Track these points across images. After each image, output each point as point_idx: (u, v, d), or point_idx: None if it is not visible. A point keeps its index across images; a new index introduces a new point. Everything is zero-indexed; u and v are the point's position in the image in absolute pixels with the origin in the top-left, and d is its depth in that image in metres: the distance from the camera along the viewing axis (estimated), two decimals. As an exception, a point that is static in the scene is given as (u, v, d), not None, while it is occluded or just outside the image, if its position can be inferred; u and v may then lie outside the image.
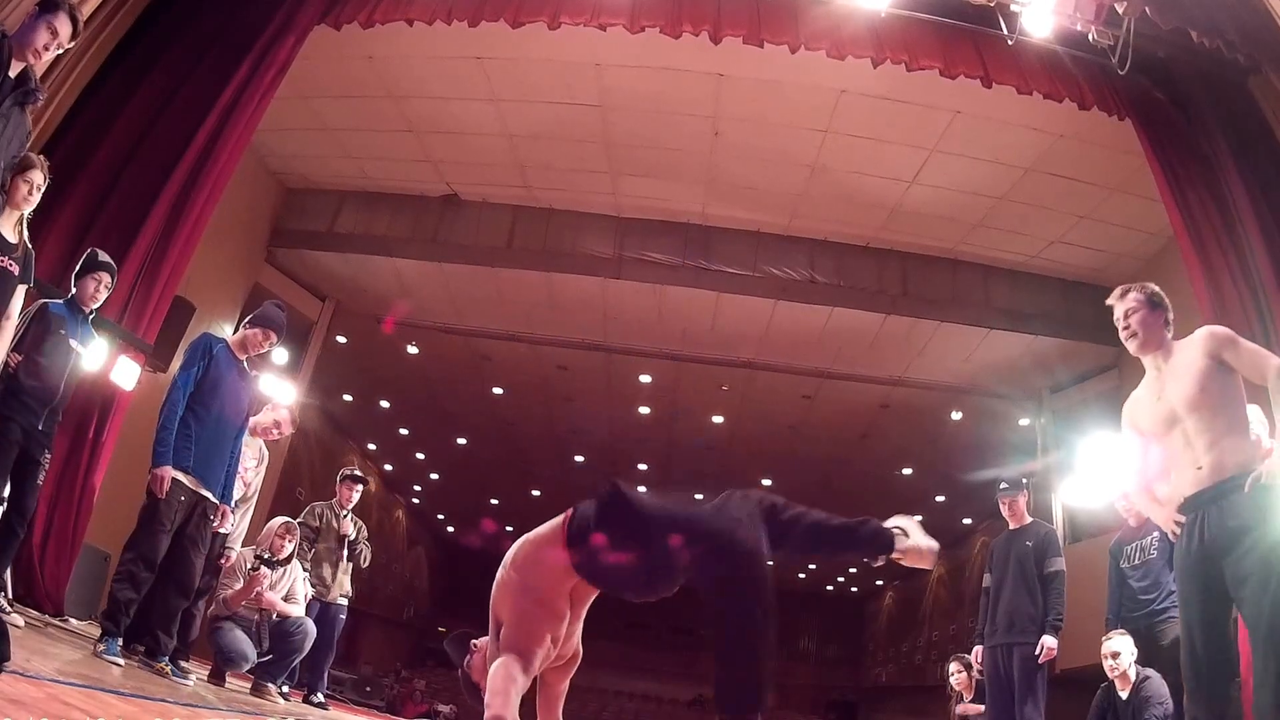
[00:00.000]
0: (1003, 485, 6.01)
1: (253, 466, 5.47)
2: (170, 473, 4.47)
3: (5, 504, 4.32)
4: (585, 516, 2.68)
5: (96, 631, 4.63)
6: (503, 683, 2.47)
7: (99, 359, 5.36)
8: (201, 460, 4.67)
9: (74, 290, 4.55)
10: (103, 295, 4.61)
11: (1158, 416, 3.32)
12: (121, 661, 4.19)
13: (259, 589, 5.53)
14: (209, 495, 4.71)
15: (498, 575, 2.76)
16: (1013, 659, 5.55)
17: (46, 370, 4.31)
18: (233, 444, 4.92)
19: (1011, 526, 5.93)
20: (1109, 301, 3.62)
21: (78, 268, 4.58)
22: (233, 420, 4.89)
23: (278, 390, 10.10)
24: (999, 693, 5.64)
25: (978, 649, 5.91)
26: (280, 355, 11.08)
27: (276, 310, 5.16)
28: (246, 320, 5.14)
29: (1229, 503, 3.04)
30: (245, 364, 5.02)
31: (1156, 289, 3.55)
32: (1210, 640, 3.05)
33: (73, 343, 4.47)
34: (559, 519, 2.72)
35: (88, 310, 4.58)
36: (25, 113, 3.77)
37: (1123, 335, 3.54)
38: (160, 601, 4.60)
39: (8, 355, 4.11)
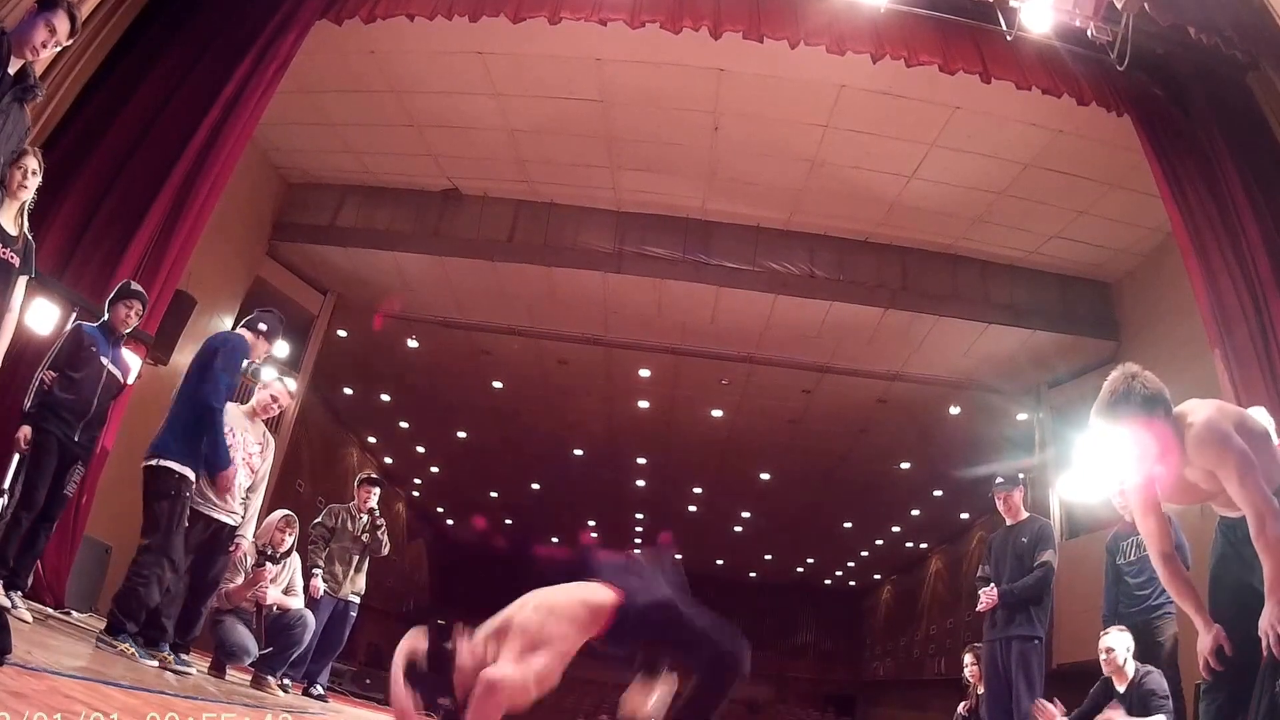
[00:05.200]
0: (998, 480, 6.03)
1: (256, 451, 5.46)
2: (234, 471, 4.84)
3: (12, 499, 4.46)
4: (635, 615, 2.93)
5: (98, 624, 4.68)
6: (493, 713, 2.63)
7: (134, 373, 5.62)
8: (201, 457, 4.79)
9: (107, 315, 4.92)
10: (134, 321, 5.01)
11: (1195, 495, 3.12)
12: (155, 663, 4.24)
13: (261, 585, 5.57)
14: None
15: (536, 601, 2.90)
16: (1011, 653, 5.57)
17: (79, 385, 4.69)
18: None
19: (1008, 522, 5.95)
20: (1094, 420, 3.10)
21: (111, 295, 4.95)
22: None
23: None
24: (996, 686, 5.67)
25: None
26: (281, 349, 11.10)
27: (277, 322, 5.27)
28: (261, 331, 5.16)
29: None
30: None
31: (1137, 394, 2.99)
32: (1243, 635, 2.96)
33: (104, 360, 4.83)
34: (607, 600, 2.93)
35: (120, 333, 4.96)
36: (24, 109, 3.80)
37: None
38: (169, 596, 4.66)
39: (43, 373, 4.63)
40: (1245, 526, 2.89)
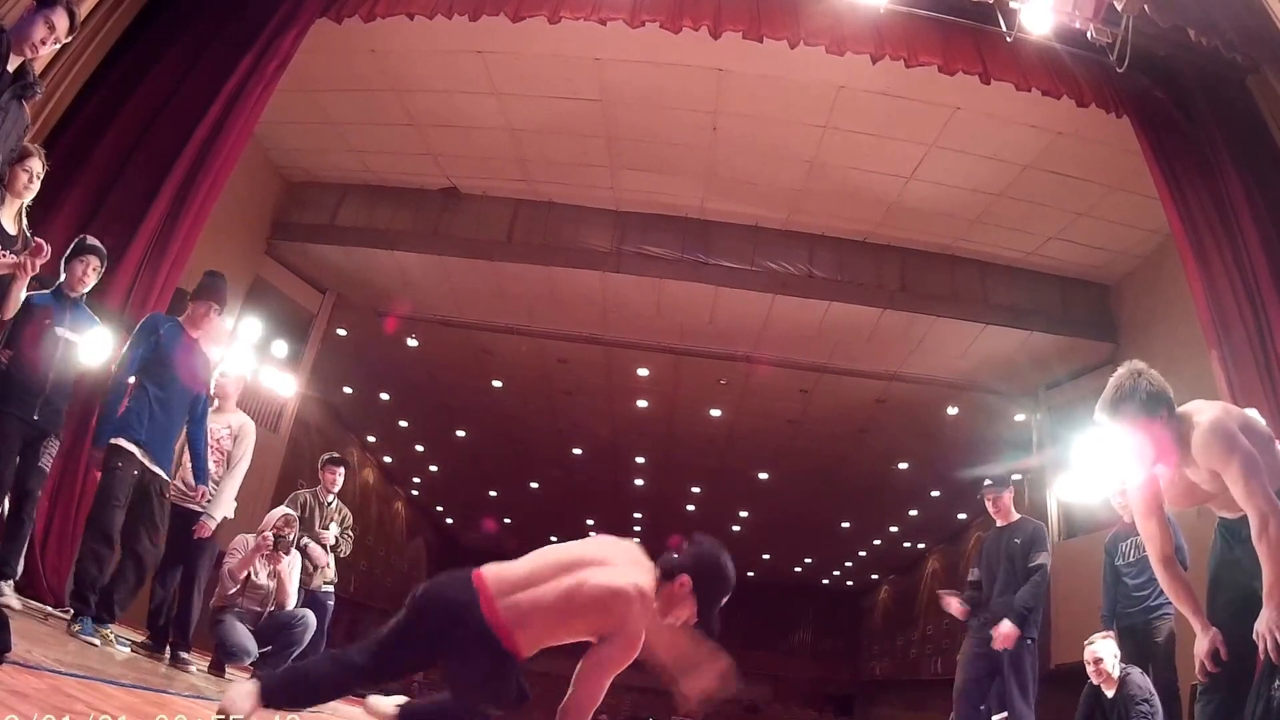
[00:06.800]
0: (987, 482, 6.00)
1: (225, 435, 5.50)
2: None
3: (7, 494, 4.41)
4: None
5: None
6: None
7: (104, 350, 5.38)
8: (154, 436, 4.75)
9: (63, 275, 4.59)
10: (91, 279, 4.64)
11: (1196, 497, 3.14)
12: (98, 641, 4.24)
13: (264, 546, 5.58)
14: (160, 471, 4.78)
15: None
16: (1003, 654, 5.54)
17: (32, 361, 4.39)
18: (189, 421, 5.02)
19: (999, 524, 5.94)
20: (1097, 416, 3.13)
21: (66, 252, 4.61)
22: (186, 395, 4.97)
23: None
24: (973, 676, 5.61)
25: (953, 599, 5.96)
26: (281, 348, 11.10)
27: (212, 279, 5.23)
28: (189, 296, 5.23)
29: None
30: (198, 341, 5.10)
31: (1142, 392, 3.02)
32: (1240, 637, 2.93)
33: (59, 331, 4.52)
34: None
35: (76, 294, 4.61)
36: (24, 106, 3.79)
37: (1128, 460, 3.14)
38: (118, 573, 4.64)
39: None
40: (1245, 528, 2.90)
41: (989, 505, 5.98)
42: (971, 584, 6.00)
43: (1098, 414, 3.12)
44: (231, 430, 5.54)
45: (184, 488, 5.15)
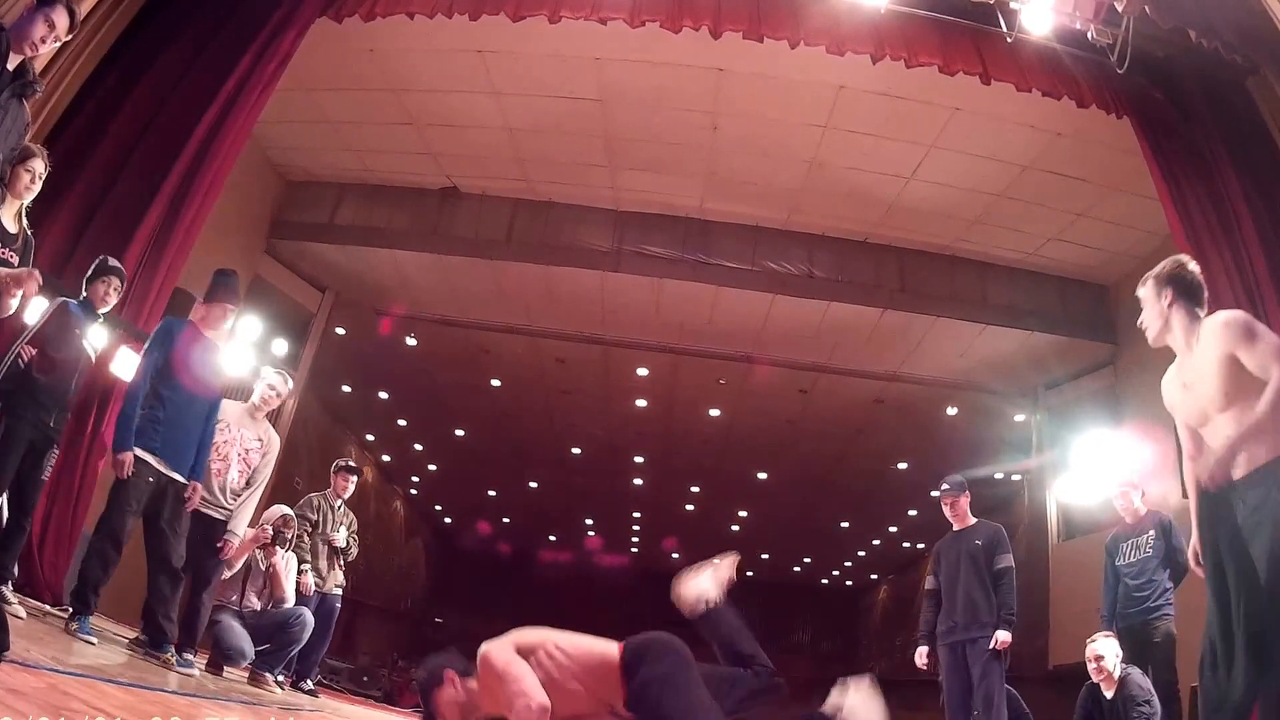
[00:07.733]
0: (944, 486, 5.99)
1: (255, 448, 5.49)
2: (130, 456, 4.59)
3: (5, 497, 4.41)
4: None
5: (99, 622, 4.68)
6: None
7: (102, 351, 5.40)
8: (169, 443, 4.76)
9: (85, 294, 4.69)
10: (113, 298, 4.76)
11: (1191, 410, 3.24)
12: (95, 640, 4.25)
13: (262, 537, 5.58)
14: (177, 476, 4.79)
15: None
16: (973, 652, 5.54)
17: (61, 366, 4.44)
18: (204, 423, 5.01)
19: (955, 528, 5.93)
20: (1138, 291, 3.49)
21: (89, 273, 4.72)
22: (202, 399, 4.98)
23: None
24: (958, 687, 5.63)
25: (922, 649, 5.91)
26: (280, 347, 11.09)
27: (226, 279, 5.25)
28: (202, 298, 5.28)
29: (1258, 492, 2.95)
30: (213, 342, 5.13)
31: (1163, 272, 3.37)
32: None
33: (85, 343, 4.62)
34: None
35: (98, 312, 4.72)
36: (24, 105, 3.80)
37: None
38: (153, 590, 4.66)
39: (21, 348, 4.22)
40: (1250, 491, 2.96)
41: (946, 509, 5.97)
42: (930, 593, 5.99)
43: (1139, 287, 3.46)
44: (262, 445, 5.54)
45: (205, 495, 5.15)
